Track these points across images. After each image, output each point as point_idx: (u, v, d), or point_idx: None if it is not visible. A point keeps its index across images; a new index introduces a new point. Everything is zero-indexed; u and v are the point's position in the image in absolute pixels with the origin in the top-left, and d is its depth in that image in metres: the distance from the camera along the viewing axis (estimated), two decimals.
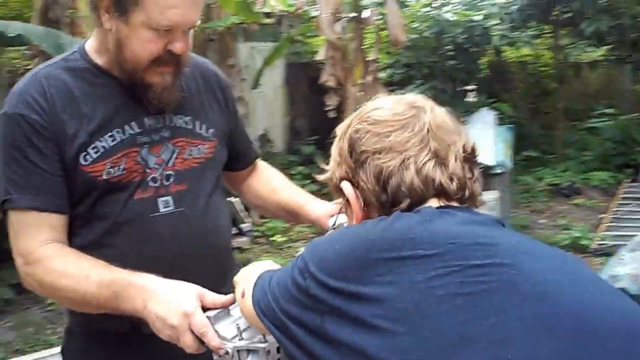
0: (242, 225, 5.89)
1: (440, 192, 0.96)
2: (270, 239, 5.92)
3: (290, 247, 5.75)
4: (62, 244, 1.36)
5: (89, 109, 1.37)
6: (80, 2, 4.60)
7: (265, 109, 7.49)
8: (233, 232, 5.60)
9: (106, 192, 1.38)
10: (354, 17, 6.35)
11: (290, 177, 6.72)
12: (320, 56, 6.39)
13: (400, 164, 0.96)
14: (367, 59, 6.42)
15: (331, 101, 6.46)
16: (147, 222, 1.40)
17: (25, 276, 1.35)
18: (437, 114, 1.01)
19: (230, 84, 1.70)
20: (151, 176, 1.41)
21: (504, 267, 0.84)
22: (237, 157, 1.67)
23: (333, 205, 1.53)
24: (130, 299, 1.24)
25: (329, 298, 0.87)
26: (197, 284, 1.24)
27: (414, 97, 1.05)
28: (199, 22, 1.37)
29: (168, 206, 1.42)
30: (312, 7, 6.91)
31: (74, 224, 1.40)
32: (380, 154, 0.97)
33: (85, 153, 1.35)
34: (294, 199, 1.66)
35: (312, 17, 6.78)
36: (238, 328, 1.16)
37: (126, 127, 1.39)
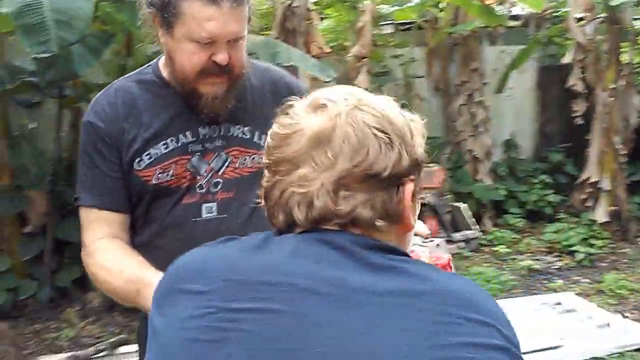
0: (467, 232, 5.75)
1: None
2: (494, 248, 5.68)
3: (514, 259, 5.45)
4: (118, 239, 1.49)
5: (148, 118, 1.48)
6: (314, 14, 4.90)
7: (513, 113, 7.17)
8: (456, 238, 5.51)
9: (157, 196, 1.48)
10: (607, 17, 5.76)
11: (532, 185, 6.38)
12: (567, 59, 5.93)
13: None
14: (620, 62, 5.79)
15: (578, 107, 5.96)
16: (189, 227, 1.48)
17: (85, 266, 1.52)
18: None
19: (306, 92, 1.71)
20: (199, 183, 1.48)
21: (265, 313, 0.74)
22: None
23: None
24: (147, 299, 1.28)
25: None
26: None
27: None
28: (245, 34, 1.42)
29: (211, 212, 1.48)
30: (563, 8, 6.42)
31: (136, 224, 1.53)
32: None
33: (139, 159, 1.47)
34: None
35: (561, 19, 6.31)
36: None
37: (180, 135, 1.48)
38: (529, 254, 5.55)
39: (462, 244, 5.59)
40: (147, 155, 1.47)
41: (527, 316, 4.09)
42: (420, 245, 1.36)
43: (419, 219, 1.56)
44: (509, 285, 4.78)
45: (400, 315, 0.73)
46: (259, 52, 3.85)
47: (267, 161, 0.87)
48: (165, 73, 1.51)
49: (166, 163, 1.47)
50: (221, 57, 1.39)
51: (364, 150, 0.81)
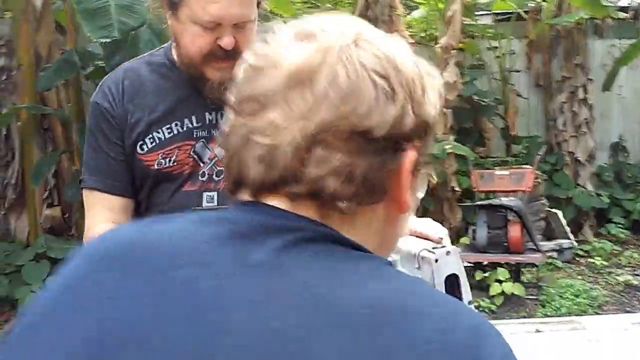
0: (562, 241, 5.27)
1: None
2: (591, 260, 5.17)
3: (611, 273, 4.94)
4: (117, 224, 1.37)
5: (154, 101, 1.40)
6: (398, 2, 4.64)
7: (623, 113, 6.56)
8: (546, 247, 5.05)
9: (158, 181, 1.40)
10: None
11: (639, 193, 5.81)
12: None
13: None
14: None
15: None
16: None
17: None
18: None
19: None
20: (202, 171, 1.40)
21: None
22: None
23: (419, 224, 1.23)
24: None
25: None
26: None
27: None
28: (253, 18, 1.34)
29: (212, 201, 1.39)
30: None
31: (139, 209, 1.44)
32: None
33: (142, 142, 1.39)
34: None
35: None
36: None
37: (186, 120, 1.40)
38: (628, 268, 5.03)
39: (555, 254, 5.12)
40: (150, 139, 1.40)
41: (614, 335, 3.66)
42: (429, 251, 1.09)
43: (437, 220, 1.30)
44: (600, 301, 4.33)
45: None
46: None
47: (231, 99, 0.67)
48: (174, 55, 1.44)
49: (169, 148, 1.40)
50: (226, 41, 1.32)
51: (355, 98, 0.61)
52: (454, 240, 4.96)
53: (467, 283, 1.11)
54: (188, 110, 1.40)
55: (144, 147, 1.39)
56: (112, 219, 1.40)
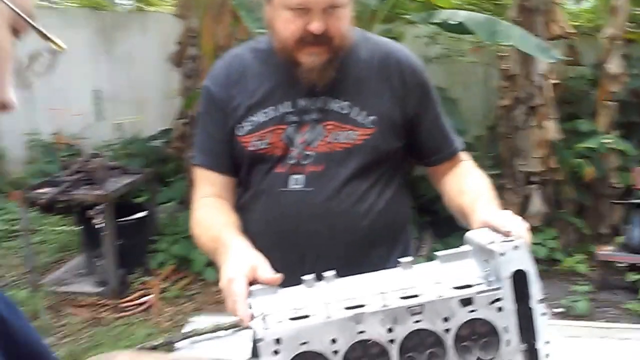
0: None
1: None
2: None
3: None
4: (220, 199, 1.53)
5: (253, 86, 1.49)
6: None
7: None
8: None
9: (253, 162, 1.50)
10: None
11: None
12: None
13: None
14: None
15: None
16: (276, 195, 1.48)
17: None
18: None
19: (423, 73, 1.55)
20: (291, 154, 1.47)
21: None
22: (426, 151, 1.56)
23: (495, 215, 1.28)
24: (220, 256, 1.32)
25: None
26: (316, 263, 1.26)
27: None
28: (344, 3, 1.38)
29: (297, 184, 1.46)
30: None
31: (240, 187, 1.57)
32: None
33: (240, 125, 1.49)
34: (469, 203, 1.43)
35: None
36: (263, 317, 1.13)
37: (279, 105, 1.47)
38: None
39: None
40: (247, 122, 1.49)
41: None
42: (496, 245, 1.14)
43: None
44: None
45: None
46: (479, 31, 3.61)
47: None
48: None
49: (263, 131, 1.48)
50: (315, 26, 1.36)
51: None
52: (611, 239, 4.69)
53: (538, 281, 1.15)
54: (283, 95, 1.47)
55: (242, 129, 1.48)
56: (215, 193, 1.53)
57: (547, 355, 1.13)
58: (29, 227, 5.26)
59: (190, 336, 3.32)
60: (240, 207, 1.55)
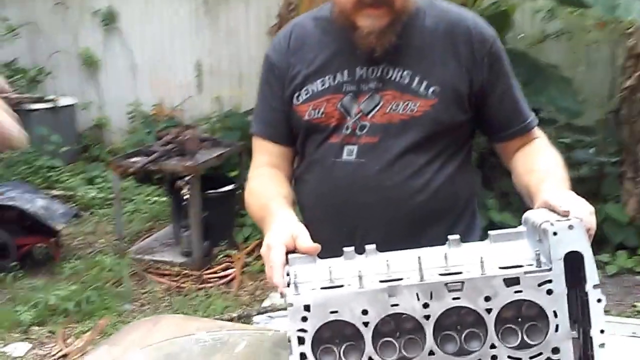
0: None
1: None
2: None
3: None
4: (275, 169, 1.57)
5: (312, 55, 1.51)
6: None
7: None
8: None
9: (309, 132, 1.52)
10: None
11: None
12: None
13: None
14: None
15: None
16: (328, 166, 1.50)
17: None
18: None
19: (494, 42, 1.49)
20: (346, 124, 1.47)
21: None
22: (495, 126, 1.52)
23: (556, 195, 1.24)
24: (266, 225, 1.36)
25: None
26: (367, 238, 1.28)
27: None
28: None
29: (351, 155, 1.47)
30: None
31: (297, 158, 1.60)
32: None
33: (298, 94, 1.51)
34: (535, 182, 1.38)
35: None
36: (295, 284, 1.16)
37: (337, 74, 1.48)
38: None
39: None
40: (304, 90, 1.51)
41: None
42: (549, 224, 1.11)
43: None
44: None
45: None
46: (597, 4, 3.44)
47: None
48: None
49: (319, 100, 1.49)
50: None
51: None
52: None
53: (594, 264, 1.10)
54: (341, 64, 1.47)
55: (299, 98, 1.50)
56: (272, 163, 1.57)
57: (601, 345, 1.09)
58: (123, 196, 5.62)
59: (267, 311, 3.44)
60: (296, 179, 1.59)
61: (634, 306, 3.77)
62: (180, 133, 4.74)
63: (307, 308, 1.11)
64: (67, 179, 6.04)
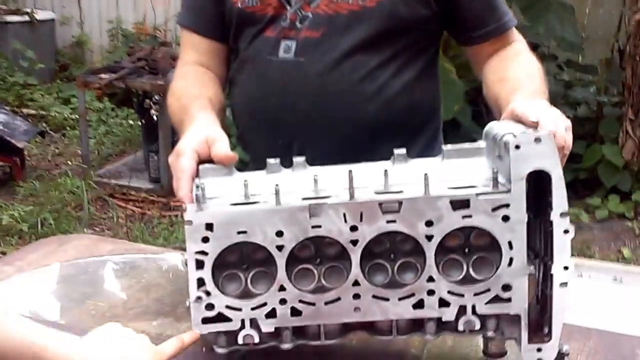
0: None
1: None
2: None
3: None
4: (202, 68, 1.39)
5: None
6: None
7: None
8: None
9: (241, 23, 1.34)
10: None
11: None
12: None
13: None
14: None
15: None
16: (262, 65, 1.33)
17: None
18: None
19: None
20: (285, 14, 1.30)
21: None
22: (465, 24, 1.33)
23: (526, 104, 1.03)
24: (184, 129, 1.19)
25: None
26: (305, 154, 1.09)
27: None
28: None
29: (289, 52, 1.30)
30: None
31: (230, 58, 1.42)
32: None
33: None
34: (506, 93, 1.18)
35: None
36: (197, 197, 0.96)
37: None
38: None
39: None
40: None
41: None
42: (512, 136, 0.91)
43: None
44: None
45: None
46: None
47: None
48: None
49: None
50: None
51: None
52: None
53: (564, 187, 0.91)
54: None
55: None
56: (200, 61, 1.40)
57: (562, 284, 0.91)
58: (97, 118, 5.41)
59: None
60: (230, 82, 1.43)
61: (620, 252, 3.63)
62: (153, 50, 4.49)
63: (209, 227, 0.93)
64: (42, 98, 5.83)
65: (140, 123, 4.60)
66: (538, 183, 0.92)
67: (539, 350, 0.93)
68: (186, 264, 0.94)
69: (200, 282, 0.93)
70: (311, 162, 1.02)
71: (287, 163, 1.02)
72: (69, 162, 4.76)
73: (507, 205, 0.90)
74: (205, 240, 0.93)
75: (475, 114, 4.18)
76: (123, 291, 1.22)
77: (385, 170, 0.95)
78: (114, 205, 4.05)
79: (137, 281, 1.26)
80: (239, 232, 0.92)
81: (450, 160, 1.00)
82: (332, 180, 0.97)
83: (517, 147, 0.89)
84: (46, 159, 4.85)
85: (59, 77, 6.51)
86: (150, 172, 4.27)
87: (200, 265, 0.93)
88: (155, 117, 4.09)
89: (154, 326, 1.12)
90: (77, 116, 5.34)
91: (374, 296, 0.93)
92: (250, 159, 1.41)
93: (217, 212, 0.93)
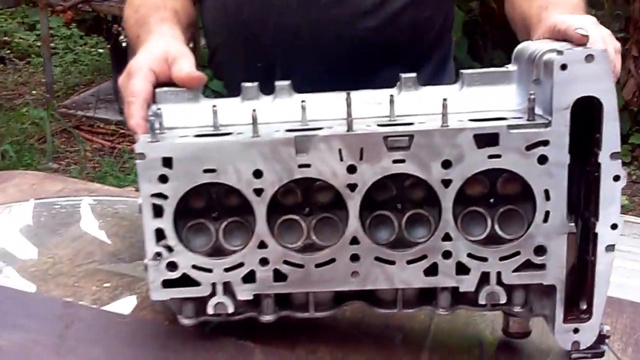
0: None
1: None
2: None
3: None
4: None
5: None
6: None
7: None
8: None
9: None
10: None
11: None
12: None
13: None
14: None
15: None
16: None
17: None
18: None
19: None
20: None
21: None
22: None
23: (568, 17, 0.85)
24: (139, 45, 1.01)
25: None
26: (291, 76, 0.90)
27: None
28: None
29: None
30: None
31: None
32: None
33: None
34: (537, 9, 0.99)
35: None
36: (152, 126, 0.78)
37: None
38: None
39: None
40: None
41: None
42: (556, 53, 0.73)
43: None
44: None
45: None
46: None
47: None
48: None
49: None
50: None
51: None
52: None
53: (617, 121, 0.74)
54: None
55: None
56: None
57: (608, 248, 0.74)
58: (64, 46, 5.15)
59: None
60: None
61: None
62: None
63: (167, 163, 0.76)
64: (4, 23, 5.61)
65: (109, 51, 4.38)
66: (577, 116, 0.74)
67: (575, 331, 0.76)
68: (141, 211, 0.76)
69: (160, 235, 0.76)
70: (297, 89, 0.84)
71: (268, 90, 0.84)
72: (33, 92, 4.55)
73: (546, 143, 0.73)
74: (164, 179, 0.75)
75: (471, 47, 4.05)
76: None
77: (391, 96, 0.77)
78: (80, 137, 3.86)
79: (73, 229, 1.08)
80: (205, 171, 0.75)
81: (472, 88, 0.83)
82: (325, 109, 0.80)
83: (564, 66, 0.71)
84: (8, 88, 4.64)
85: (25, 0, 6.24)
86: (120, 103, 4.09)
87: (158, 212, 0.76)
88: (124, 44, 3.86)
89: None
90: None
91: (376, 258, 0.75)
92: (225, 86, 1.23)
93: (177, 144, 0.76)
